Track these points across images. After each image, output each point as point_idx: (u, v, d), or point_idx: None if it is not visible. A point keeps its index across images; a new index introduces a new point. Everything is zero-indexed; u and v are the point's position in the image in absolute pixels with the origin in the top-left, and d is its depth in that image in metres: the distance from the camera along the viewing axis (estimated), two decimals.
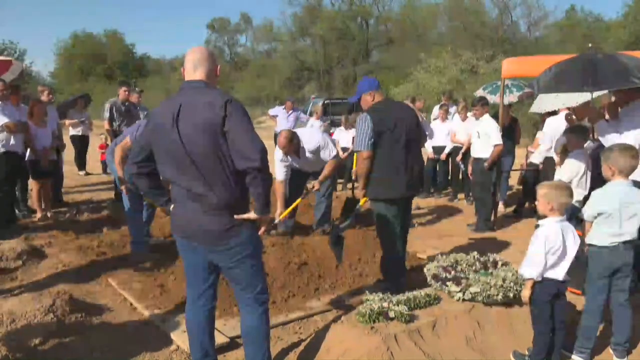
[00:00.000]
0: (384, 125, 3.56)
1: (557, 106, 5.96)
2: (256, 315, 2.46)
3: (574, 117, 4.83)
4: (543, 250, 2.68)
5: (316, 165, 5.03)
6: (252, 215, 2.30)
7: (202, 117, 2.16)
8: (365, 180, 3.68)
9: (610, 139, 3.61)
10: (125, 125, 7.76)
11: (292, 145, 4.76)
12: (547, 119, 6.01)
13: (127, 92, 7.35)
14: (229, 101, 2.16)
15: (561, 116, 6.06)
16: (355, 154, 5.41)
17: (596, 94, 5.19)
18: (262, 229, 2.40)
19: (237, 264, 2.35)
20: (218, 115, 2.13)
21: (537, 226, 2.86)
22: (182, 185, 2.29)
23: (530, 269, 2.73)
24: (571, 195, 2.78)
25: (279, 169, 4.96)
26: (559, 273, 2.73)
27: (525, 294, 2.80)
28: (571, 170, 4.12)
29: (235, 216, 2.27)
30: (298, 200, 5.12)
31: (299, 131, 5.14)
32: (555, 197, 2.73)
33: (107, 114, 7.29)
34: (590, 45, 4.00)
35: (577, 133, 4.26)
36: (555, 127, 5.98)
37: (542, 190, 2.80)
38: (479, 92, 9.36)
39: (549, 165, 5.95)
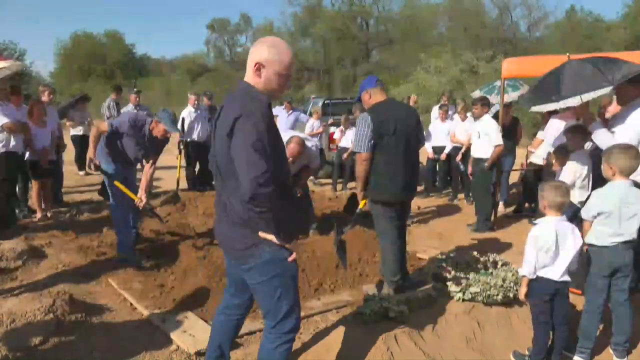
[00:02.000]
0: (384, 128, 3.51)
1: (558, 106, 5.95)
2: (272, 347, 2.22)
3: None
4: (533, 248, 2.74)
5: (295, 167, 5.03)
6: (273, 237, 2.09)
7: (221, 127, 2.10)
8: (364, 181, 3.64)
9: (604, 140, 3.60)
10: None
11: (304, 152, 4.66)
12: (550, 118, 6.00)
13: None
14: (238, 117, 2.00)
15: (564, 116, 6.05)
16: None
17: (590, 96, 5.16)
18: (292, 256, 2.14)
19: (258, 287, 2.20)
20: (227, 130, 2.03)
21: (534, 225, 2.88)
22: (216, 190, 2.29)
23: (523, 267, 2.80)
24: (567, 194, 2.79)
25: None
26: (554, 273, 2.75)
27: (521, 291, 2.87)
28: (574, 172, 4.11)
29: (260, 233, 2.09)
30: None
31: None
32: (550, 196, 2.75)
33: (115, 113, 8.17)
34: (568, 54, 4.00)
35: (577, 133, 4.25)
36: (558, 126, 5.96)
37: (539, 189, 2.86)
38: (476, 94, 9.36)
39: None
